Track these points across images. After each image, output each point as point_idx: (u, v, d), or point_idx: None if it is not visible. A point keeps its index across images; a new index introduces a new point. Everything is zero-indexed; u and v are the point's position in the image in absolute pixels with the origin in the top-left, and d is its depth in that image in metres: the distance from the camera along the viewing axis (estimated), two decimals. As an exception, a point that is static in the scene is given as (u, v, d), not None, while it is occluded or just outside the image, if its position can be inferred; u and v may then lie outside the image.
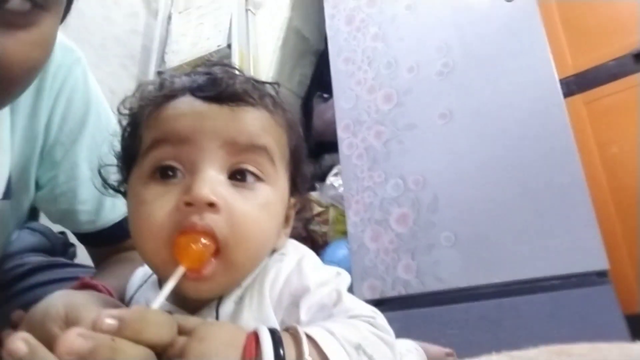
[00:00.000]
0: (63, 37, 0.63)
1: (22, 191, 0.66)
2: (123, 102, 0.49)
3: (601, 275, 1.10)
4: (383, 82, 1.50)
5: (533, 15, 1.33)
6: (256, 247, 0.42)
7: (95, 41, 2.11)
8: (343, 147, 1.52)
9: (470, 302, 1.20)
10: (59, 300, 0.41)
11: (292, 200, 0.50)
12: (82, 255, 0.85)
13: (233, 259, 0.40)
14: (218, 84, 0.43)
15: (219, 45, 2.20)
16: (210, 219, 0.39)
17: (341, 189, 1.61)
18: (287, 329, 0.38)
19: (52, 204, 0.70)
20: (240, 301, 0.44)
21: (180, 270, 0.38)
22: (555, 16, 1.47)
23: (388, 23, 1.55)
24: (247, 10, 2.26)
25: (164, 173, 0.42)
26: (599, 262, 1.09)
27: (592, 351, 0.23)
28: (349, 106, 1.54)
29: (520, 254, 1.17)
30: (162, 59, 2.36)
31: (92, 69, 0.72)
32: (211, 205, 0.39)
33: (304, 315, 0.42)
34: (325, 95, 2.06)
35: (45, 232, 0.88)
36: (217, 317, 0.43)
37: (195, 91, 0.43)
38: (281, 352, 0.34)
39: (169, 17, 2.47)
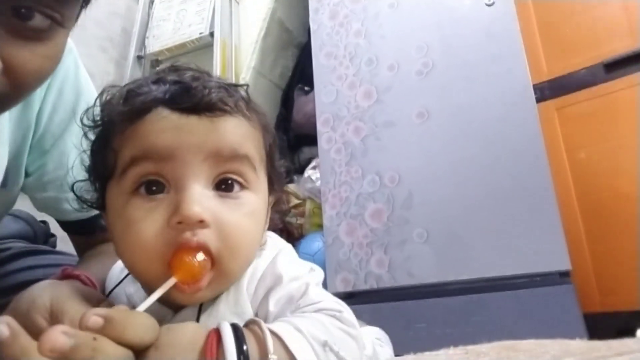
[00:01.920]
0: None
1: (13, 176, 0.66)
2: (86, 112, 0.47)
3: (563, 275, 1.14)
4: (363, 78, 1.51)
5: (512, 21, 1.36)
6: (247, 255, 0.44)
7: (73, 22, 2.07)
8: (322, 141, 1.53)
9: (439, 298, 1.24)
10: (44, 290, 0.42)
11: (270, 199, 0.51)
12: (62, 247, 0.86)
13: (226, 269, 0.41)
14: (193, 94, 0.42)
15: (201, 33, 2.18)
16: (202, 235, 0.40)
17: (318, 183, 1.63)
18: (251, 326, 0.39)
19: (40, 192, 0.70)
20: (217, 295, 0.45)
21: (171, 281, 0.39)
22: (533, 23, 1.51)
23: (371, 20, 1.56)
24: (230, -2, 2.25)
25: (149, 188, 0.42)
26: (562, 262, 1.14)
27: (537, 346, 0.25)
28: (329, 101, 1.56)
29: (489, 253, 1.21)
30: (142, 43, 2.33)
31: (69, 51, 0.72)
32: (201, 221, 0.40)
33: (272, 306, 0.43)
34: (306, 88, 2.06)
35: (29, 220, 0.88)
36: (199, 314, 0.43)
37: (170, 103, 0.42)
38: (244, 348, 0.35)
39: (151, 2, 2.43)
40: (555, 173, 1.23)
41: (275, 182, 0.51)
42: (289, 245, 0.52)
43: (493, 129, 1.29)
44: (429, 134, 1.37)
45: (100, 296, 0.47)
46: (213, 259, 0.40)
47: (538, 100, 1.32)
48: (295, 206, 1.82)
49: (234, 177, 0.43)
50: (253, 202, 0.44)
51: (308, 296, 0.44)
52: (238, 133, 0.44)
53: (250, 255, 0.45)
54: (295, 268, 0.47)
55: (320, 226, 1.53)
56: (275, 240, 0.51)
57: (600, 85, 1.38)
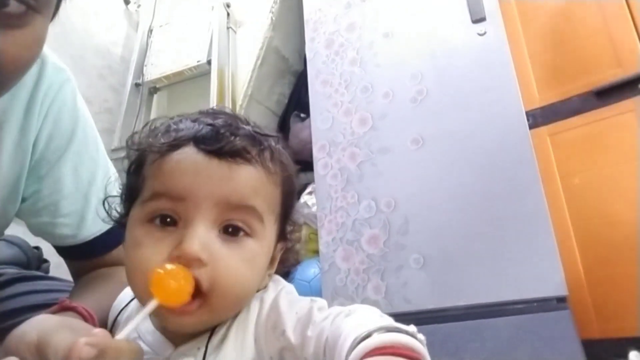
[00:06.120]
0: (55, 58, 0.66)
1: (9, 203, 0.66)
2: (132, 137, 0.51)
3: (561, 301, 1.14)
4: (359, 105, 1.54)
5: (503, 50, 1.40)
6: (238, 297, 0.46)
7: (73, 51, 2.10)
8: (318, 166, 1.54)
9: (436, 324, 1.23)
10: (33, 325, 0.42)
11: (280, 245, 0.53)
12: (55, 272, 0.85)
13: (215, 306, 0.44)
14: (220, 138, 0.46)
15: (198, 61, 2.22)
16: (197, 272, 0.42)
17: (314, 208, 1.63)
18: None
19: (34, 217, 0.70)
20: (225, 336, 0.47)
21: (153, 304, 0.40)
22: (524, 51, 1.54)
23: (366, 49, 1.60)
24: (228, 28, 2.29)
25: (163, 219, 0.45)
26: (559, 288, 1.14)
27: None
28: (325, 127, 1.57)
29: (485, 278, 1.21)
30: (140, 72, 2.36)
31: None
32: (199, 259, 0.42)
33: (293, 340, 0.44)
34: (302, 115, 2.08)
35: (22, 246, 0.88)
36: (205, 352, 0.45)
37: (198, 143, 0.46)
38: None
39: (150, 31, 2.48)
40: (549, 198, 1.24)
41: (288, 231, 0.54)
42: (290, 285, 0.53)
43: (487, 155, 1.31)
44: (424, 160, 1.38)
45: (89, 327, 0.47)
46: (204, 295, 0.42)
47: (531, 126, 1.34)
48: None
49: (239, 224, 0.46)
50: (254, 249, 0.47)
51: (315, 310, 0.45)
52: (250, 185, 0.46)
53: (242, 298, 0.47)
54: (297, 305, 0.48)
55: (316, 252, 1.52)
56: (276, 282, 0.53)
57: (592, 111, 1.40)
